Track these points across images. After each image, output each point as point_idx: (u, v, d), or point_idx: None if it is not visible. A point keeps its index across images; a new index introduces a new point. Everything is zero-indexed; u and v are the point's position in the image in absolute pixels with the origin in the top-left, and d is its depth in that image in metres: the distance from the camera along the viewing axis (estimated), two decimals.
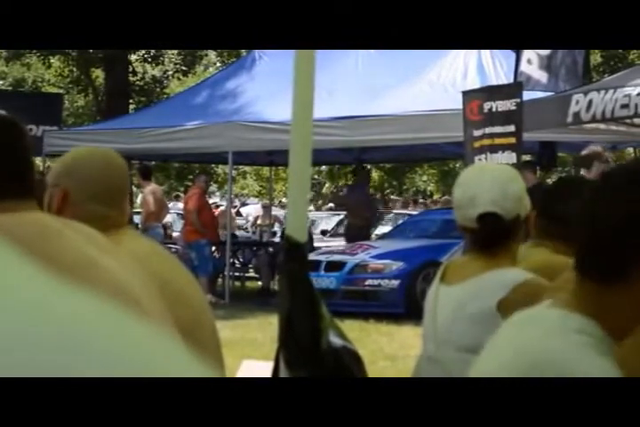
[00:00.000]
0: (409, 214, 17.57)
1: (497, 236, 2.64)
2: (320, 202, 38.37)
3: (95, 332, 0.52)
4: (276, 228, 19.03)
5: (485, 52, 13.24)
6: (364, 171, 16.05)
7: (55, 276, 0.54)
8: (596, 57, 23.60)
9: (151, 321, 1.70)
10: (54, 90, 28.82)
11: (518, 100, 8.44)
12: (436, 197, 34.96)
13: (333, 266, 12.41)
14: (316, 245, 15.41)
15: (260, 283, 16.06)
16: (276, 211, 21.66)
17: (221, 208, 19.68)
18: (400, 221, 16.81)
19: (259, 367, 5.14)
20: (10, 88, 30.58)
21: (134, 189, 20.53)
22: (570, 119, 7.54)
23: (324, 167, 32.49)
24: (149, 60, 24.02)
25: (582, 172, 9.36)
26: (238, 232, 19.18)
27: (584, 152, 9.44)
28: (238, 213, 23.82)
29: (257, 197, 36.60)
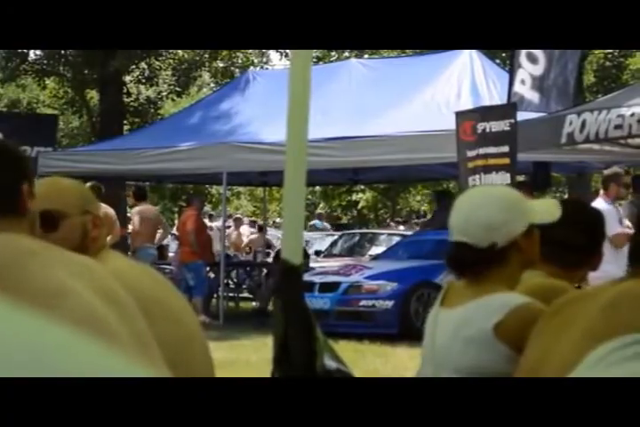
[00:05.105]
0: (403, 235, 17.52)
1: (470, 264, 2.60)
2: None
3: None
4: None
5: (479, 73, 13.27)
6: (445, 193, 15.98)
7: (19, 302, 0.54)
8: (590, 77, 23.61)
9: (121, 345, 1.67)
10: (49, 111, 28.88)
11: (512, 120, 8.44)
12: (429, 217, 34.88)
13: (327, 287, 12.39)
14: (309, 265, 15.35)
15: (253, 303, 16.01)
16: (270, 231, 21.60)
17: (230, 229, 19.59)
18: (394, 242, 16.79)
19: None
20: (5, 109, 30.63)
21: (129, 210, 20.50)
22: (564, 140, 7.54)
23: (317, 188, 32.48)
24: (143, 81, 24.04)
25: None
26: (232, 252, 19.12)
27: (606, 172, 9.41)
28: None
29: (251, 217, 36.57)
